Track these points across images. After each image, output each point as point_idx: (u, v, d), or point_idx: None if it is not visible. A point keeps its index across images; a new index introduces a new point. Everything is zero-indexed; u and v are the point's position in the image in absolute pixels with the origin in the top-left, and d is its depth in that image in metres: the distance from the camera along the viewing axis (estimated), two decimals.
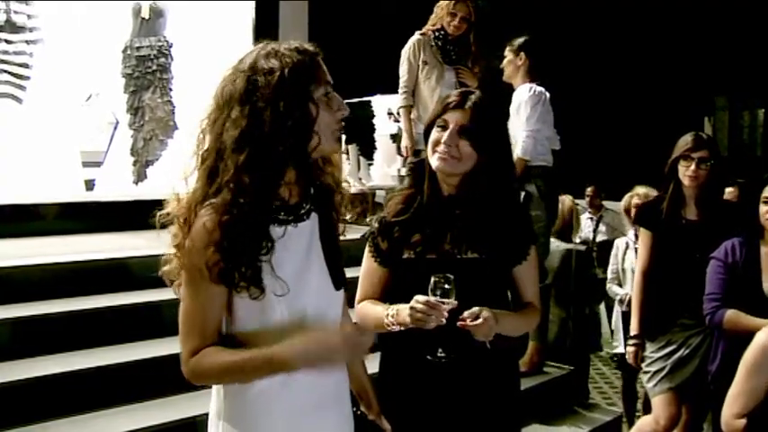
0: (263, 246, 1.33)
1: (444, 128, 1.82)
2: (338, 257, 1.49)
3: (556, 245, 4.42)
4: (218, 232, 1.29)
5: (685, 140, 2.96)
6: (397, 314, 1.75)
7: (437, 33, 3.95)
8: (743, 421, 1.96)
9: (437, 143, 1.82)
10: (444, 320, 1.66)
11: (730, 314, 2.62)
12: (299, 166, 1.38)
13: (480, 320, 1.68)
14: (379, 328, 1.81)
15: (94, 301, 3.24)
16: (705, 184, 2.93)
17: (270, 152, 1.32)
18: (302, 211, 1.43)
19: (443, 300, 1.65)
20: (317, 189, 1.48)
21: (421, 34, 3.99)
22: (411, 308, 1.69)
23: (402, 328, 1.76)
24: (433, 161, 1.83)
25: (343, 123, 1.43)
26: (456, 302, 1.67)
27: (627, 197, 4.55)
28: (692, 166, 2.90)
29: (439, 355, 1.74)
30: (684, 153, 2.92)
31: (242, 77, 1.35)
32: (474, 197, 1.83)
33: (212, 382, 1.42)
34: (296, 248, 1.40)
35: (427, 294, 1.68)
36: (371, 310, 1.84)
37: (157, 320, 3.19)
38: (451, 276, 1.66)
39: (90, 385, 2.82)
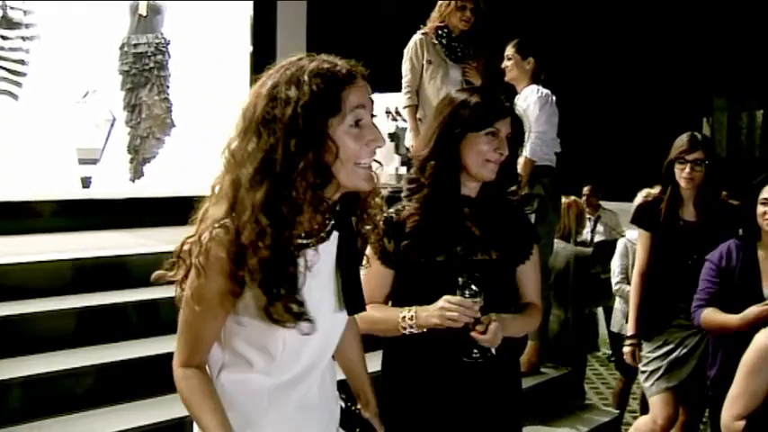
0: (296, 277, 1.26)
1: (496, 136, 1.79)
2: (356, 278, 1.40)
3: (560, 246, 4.41)
4: (259, 272, 1.22)
5: (681, 142, 2.96)
6: (417, 316, 1.74)
7: (440, 31, 3.92)
8: (742, 423, 1.96)
9: (490, 152, 1.77)
10: (473, 320, 1.69)
11: (706, 312, 2.63)
12: (318, 206, 1.26)
13: (488, 334, 1.69)
14: (390, 332, 1.79)
15: (90, 299, 3.22)
16: (702, 185, 2.92)
17: (284, 192, 1.22)
18: (323, 233, 1.33)
19: (474, 299, 1.68)
20: (343, 208, 1.35)
21: (423, 33, 3.96)
22: (442, 308, 1.69)
23: (420, 331, 1.74)
24: (486, 171, 1.79)
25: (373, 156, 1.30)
26: (482, 301, 1.69)
27: (641, 197, 4.52)
28: (687, 168, 2.89)
29: (474, 355, 1.76)
30: (679, 155, 2.92)
31: (262, 103, 1.24)
32: (490, 198, 1.84)
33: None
34: (312, 271, 1.30)
35: (444, 295, 1.69)
36: (381, 314, 1.81)
37: (154, 319, 3.17)
38: (477, 275, 1.69)
39: (83, 384, 2.80)
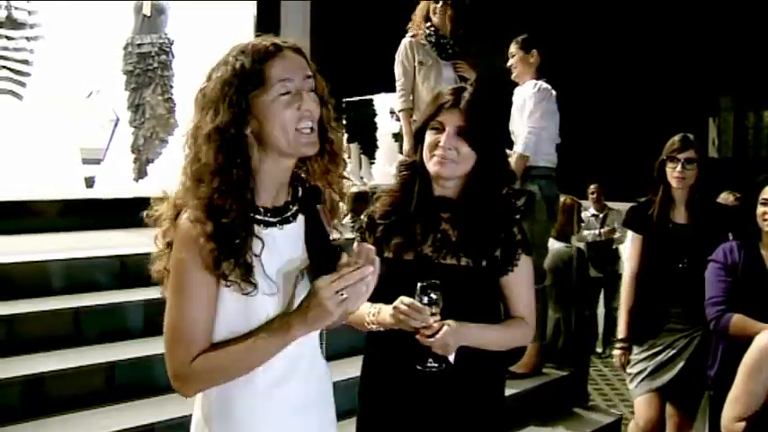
0: (249, 240, 1.31)
1: (440, 130, 1.75)
2: (327, 261, 1.40)
3: (558, 246, 4.40)
4: (209, 224, 1.29)
5: (672, 142, 2.96)
6: (379, 313, 1.71)
7: (428, 31, 3.94)
8: (742, 424, 1.94)
9: (434, 146, 1.74)
10: (425, 325, 1.62)
11: (737, 319, 2.56)
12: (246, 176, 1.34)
13: (436, 337, 1.62)
14: (359, 326, 1.78)
15: (94, 298, 3.24)
16: (693, 186, 2.91)
17: (222, 155, 1.31)
18: (288, 214, 1.40)
19: (429, 306, 1.62)
20: (305, 191, 1.45)
21: (411, 36, 3.99)
22: (394, 308, 1.65)
23: (381, 329, 1.72)
24: (431, 166, 1.75)
25: (307, 121, 1.35)
26: (439, 309, 1.63)
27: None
28: (679, 167, 2.89)
29: (429, 364, 1.68)
30: (671, 154, 2.92)
31: (201, 82, 1.37)
32: (468, 201, 1.78)
33: (208, 384, 1.36)
34: (282, 251, 1.37)
35: (409, 296, 1.65)
36: None
37: (157, 318, 3.17)
38: (438, 282, 1.63)
39: (86, 383, 2.82)
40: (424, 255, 1.76)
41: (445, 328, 1.63)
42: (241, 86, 1.32)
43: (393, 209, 1.82)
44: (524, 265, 1.81)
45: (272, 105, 1.32)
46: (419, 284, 1.63)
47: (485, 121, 1.78)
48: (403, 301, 1.64)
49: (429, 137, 1.78)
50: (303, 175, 1.46)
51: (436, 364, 1.67)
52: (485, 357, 1.76)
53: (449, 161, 1.74)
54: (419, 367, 1.68)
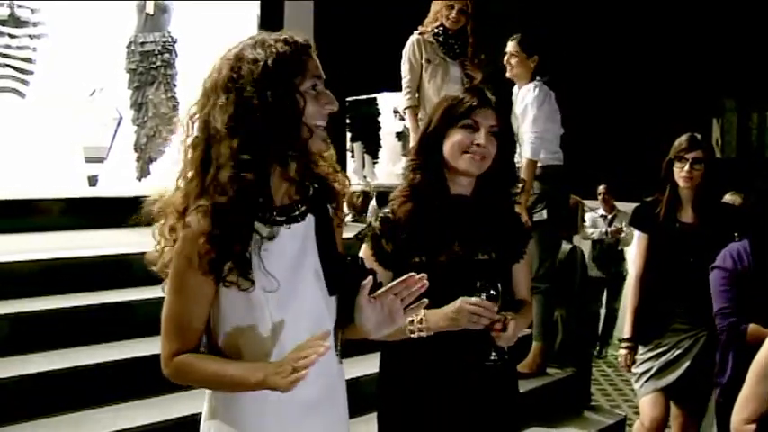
0: (252, 237, 1.32)
1: (474, 129, 1.80)
2: (336, 261, 1.44)
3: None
4: (209, 221, 1.29)
5: (679, 142, 2.95)
6: (427, 319, 1.71)
7: (437, 30, 3.94)
8: (752, 427, 1.92)
9: (468, 145, 1.79)
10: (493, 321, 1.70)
11: (752, 329, 2.53)
12: (294, 158, 1.37)
13: (509, 332, 1.70)
14: (395, 335, 1.73)
15: (97, 297, 3.23)
16: (701, 186, 2.90)
17: (260, 139, 1.30)
18: (296, 213, 1.40)
19: (493, 302, 1.70)
20: (316, 191, 1.44)
21: (419, 34, 3.98)
22: (459, 310, 1.68)
23: (429, 334, 1.72)
24: (463, 162, 1.80)
25: (325, 122, 1.39)
26: (500, 304, 1.70)
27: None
28: (687, 167, 2.88)
29: (492, 358, 1.77)
30: (678, 154, 2.92)
31: (227, 66, 1.34)
32: (482, 197, 1.84)
33: (193, 385, 1.43)
34: (287, 250, 1.37)
35: (451, 296, 1.69)
36: None
37: (160, 317, 3.16)
38: (496, 278, 1.70)
39: (90, 382, 2.81)
40: (457, 253, 1.79)
41: (513, 321, 1.71)
42: (284, 73, 1.32)
43: (414, 210, 1.82)
44: (528, 251, 1.95)
45: (308, 99, 1.34)
46: (478, 283, 1.70)
47: (507, 120, 1.89)
48: (468, 301, 1.68)
49: (460, 135, 1.81)
50: (316, 172, 1.45)
51: (498, 357, 1.77)
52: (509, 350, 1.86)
53: (482, 159, 1.80)
54: (486, 363, 1.77)
